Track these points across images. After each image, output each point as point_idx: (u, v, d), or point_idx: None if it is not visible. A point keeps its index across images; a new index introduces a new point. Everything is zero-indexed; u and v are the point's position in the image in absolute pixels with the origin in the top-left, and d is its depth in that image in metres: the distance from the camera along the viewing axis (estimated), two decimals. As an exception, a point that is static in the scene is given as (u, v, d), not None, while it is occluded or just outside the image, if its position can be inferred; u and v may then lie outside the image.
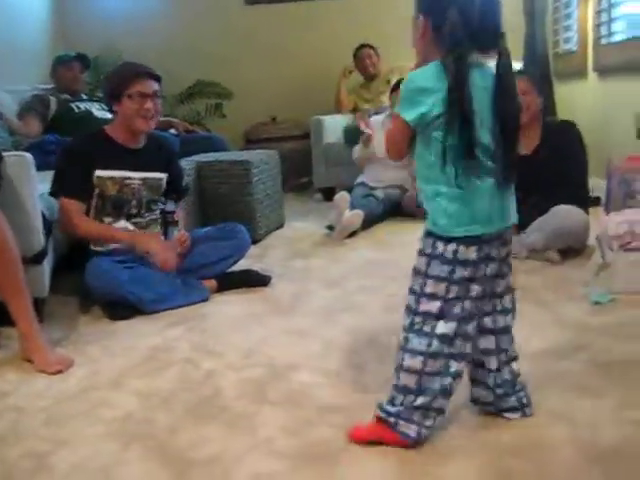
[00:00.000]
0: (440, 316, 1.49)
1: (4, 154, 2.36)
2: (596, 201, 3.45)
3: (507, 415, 1.61)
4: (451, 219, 1.46)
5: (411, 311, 1.52)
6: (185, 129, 4.45)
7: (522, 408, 1.61)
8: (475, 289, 1.49)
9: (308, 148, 5.09)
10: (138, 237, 2.68)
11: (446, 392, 1.51)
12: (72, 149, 2.76)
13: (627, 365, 1.87)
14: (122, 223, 2.75)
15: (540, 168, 3.02)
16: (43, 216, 2.51)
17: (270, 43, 5.70)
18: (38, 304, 2.37)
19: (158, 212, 2.86)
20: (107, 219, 2.73)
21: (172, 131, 4.36)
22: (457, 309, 1.49)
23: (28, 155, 2.45)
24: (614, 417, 1.59)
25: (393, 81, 4.40)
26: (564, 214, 2.93)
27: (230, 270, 2.90)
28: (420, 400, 1.50)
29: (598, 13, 4.24)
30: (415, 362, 1.49)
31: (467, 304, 1.49)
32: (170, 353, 2.18)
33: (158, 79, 2.79)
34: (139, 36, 5.67)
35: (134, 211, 2.78)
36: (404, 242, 3.25)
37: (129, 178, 2.75)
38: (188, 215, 3.28)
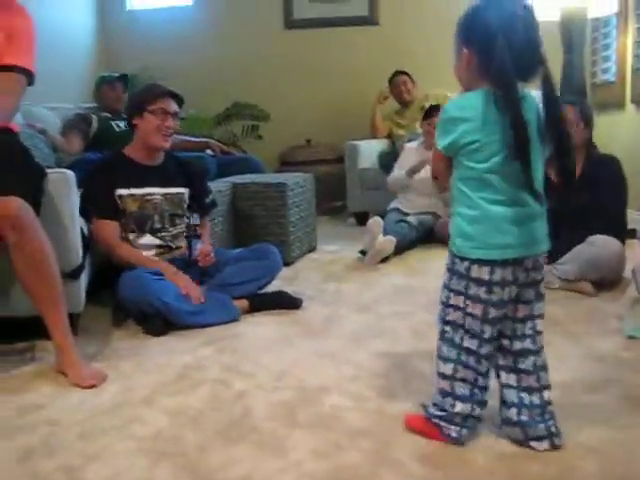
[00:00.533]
0: (465, 328, 1.59)
1: (47, 170, 2.42)
2: (632, 233, 3.42)
3: (534, 444, 1.60)
4: (467, 240, 1.55)
5: (441, 319, 1.64)
6: (221, 150, 4.50)
7: (551, 437, 1.60)
8: (492, 312, 1.56)
9: (342, 172, 5.13)
10: (168, 272, 2.71)
11: (481, 403, 1.64)
12: (95, 171, 2.84)
13: (661, 401, 1.84)
14: (147, 238, 2.82)
15: (577, 198, 3.01)
16: (81, 232, 2.56)
17: (307, 67, 5.77)
18: (73, 319, 2.40)
19: (184, 226, 2.91)
20: (131, 235, 2.80)
21: (209, 152, 4.42)
22: (476, 327, 1.57)
23: (70, 172, 2.49)
24: (646, 453, 1.57)
25: (426, 107, 4.43)
26: (600, 244, 2.91)
27: (262, 292, 2.92)
28: (459, 407, 1.62)
29: (637, 44, 4.22)
30: (447, 368, 1.63)
31: (486, 327, 1.57)
32: (201, 372, 2.20)
33: (180, 100, 2.89)
34: (178, 57, 5.79)
35: (158, 225, 2.84)
36: (435, 269, 3.22)
37: (150, 194, 2.83)
38: (216, 233, 3.37)
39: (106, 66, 5.57)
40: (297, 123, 5.72)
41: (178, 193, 2.92)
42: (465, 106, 1.52)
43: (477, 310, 1.56)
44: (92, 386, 2.08)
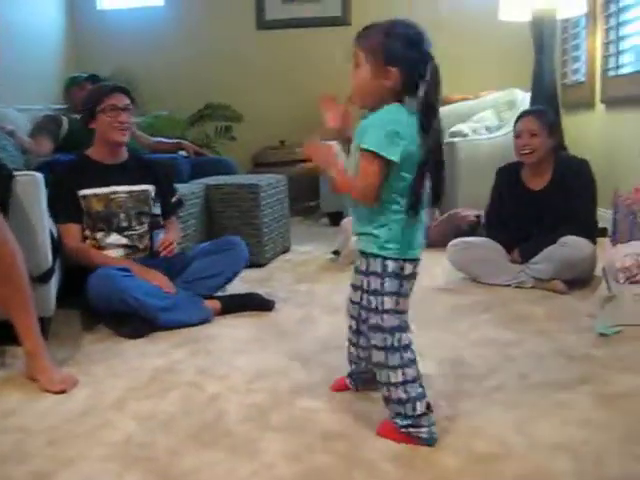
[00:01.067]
0: (401, 327, 1.67)
1: (15, 173, 2.39)
2: (602, 232, 3.46)
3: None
4: (403, 243, 1.65)
5: (376, 329, 1.67)
6: (195, 151, 4.49)
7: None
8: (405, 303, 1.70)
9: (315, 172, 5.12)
10: (135, 268, 2.70)
11: (425, 390, 1.70)
12: (57, 176, 2.83)
13: (632, 398, 1.86)
14: (114, 237, 2.82)
15: (548, 202, 3.05)
16: (51, 235, 2.53)
17: (280, 67, 5.75)
18: (44, 323, 2.37)
19: (147, 225, 2.92)
20: (99, 234, 2.80)
21: (182, 153, 4.40)
22: (404, 321, 1.69)
23: (38, 174, 2.46)
24: (618, 451, 1.58)
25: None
26: (572, 245, 2.93)
27: (234, 293, 2.91)
28: (419, 407, 1.65)
29: (606, 45, 4.27)
30: (397, 375, 1.65)
31: (405, 317, 1.70)
32: (174, 375, 2.18)
33: (128, 93, 2.91)
34: (150, 58, 5.76)
35: (124, 224, 2.84)
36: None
37: (114, 192, 2.84)
38: (188, 234, 3.36)
39: (77, 67, 5.51)
40: (271, 124, 5.70)
41: (143, 190, 2.92)
42: (400, 120, 1.60)
43: (404, 305, 1.67)
44: (62, 391, 2.05)
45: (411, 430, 1.65)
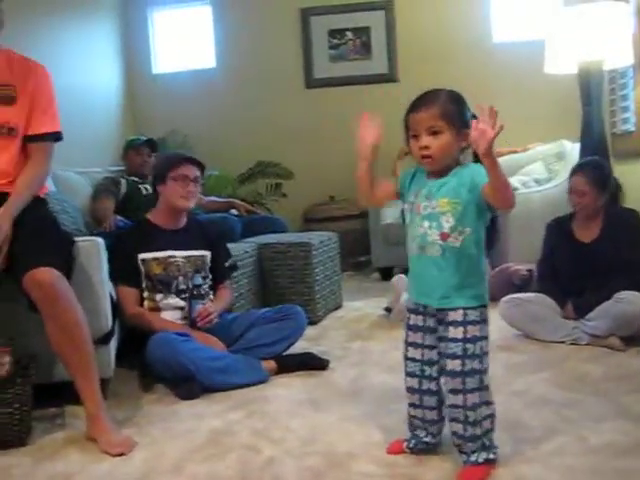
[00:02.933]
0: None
1: (76, 239, 2.48)
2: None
3: None
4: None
5: (480, 372, 1.81)
6: (246, 210, 4.57)
7: None
8: None
9: (366, 227, 5.16)
10: (193, 333, 2.77)
11: None
12: (119, 239, 2.95)
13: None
14: (173, 299, 2.88)
15: (599, 253, 3.02)
16: (110, 297, 2.60)
17: (329, 124, 5.83)
18: (104, 384, 2.42)
19: (207, 287, 2.98)
20: (158, 296, 2.87)
21: (233, 212, 4.48)
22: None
23: (99, 239, 2.55)
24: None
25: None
26: (628, 300, 2.89)
27: (289, 352, 2.93)
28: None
29: (655, 95, 4.25)
30: (490, 410, 1.84)
31: None
32: (231, 437, 2.20)
33: (201, 166, 3.01)
34: (203, 119, 5.93)
35: (182, 287, 2.91)
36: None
37: (173, 256, 2.91)
38: (242, 294, 3.43)
39: (133, 129, 5.71)
40: (320, 180, 5.78)
41: (200, 256, 2.99)
42: None
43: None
44: (121, 454, 2.09)
45: (491, 457, 1.81)
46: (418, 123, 1.79)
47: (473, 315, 1.79)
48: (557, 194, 4.29)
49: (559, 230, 3.24)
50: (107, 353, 2.53)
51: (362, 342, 3.28)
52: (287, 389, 2.65)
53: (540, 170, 4.78)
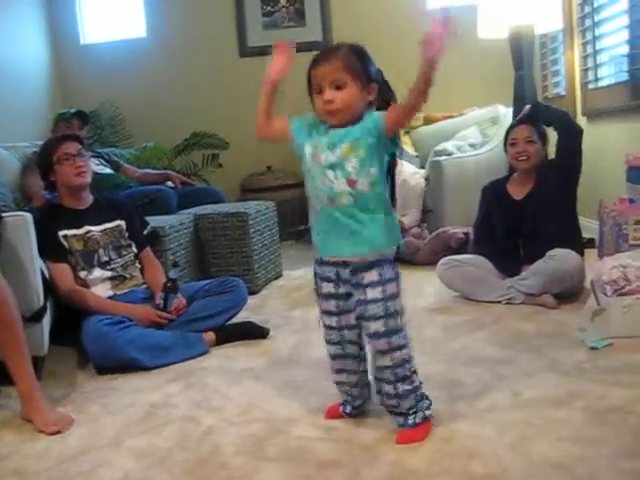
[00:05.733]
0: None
1: (3, 214, 2.40)
2: (590, 242, 3.49)
3: None
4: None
5: (400, 329, 1.85)
6: (182, 182, 4.51)
7: None
8: None
9: (304, 196, 5.12)
10: (122, 309, 2.74)
11: None
12: (38, 219, 2.82)
13: (624, 413, 1.87)
14: (97, 272, 2.86)
15: (529, 210, 3.10)
16: (42, 274, 2.54)
17: (264, 94, 5.76)
18: (37, 362, 2.38)
19: (132, 255, 2.98)
20: (82, 273, 2.83)
21: (169, 184, 4.42)
22: None
23: (27, 215, 2.47)
24: (611, 467, 1.59)
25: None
26: (560, 258, 2.96)
27: (229, 323, 2.92)
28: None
29: (584, 58, 4.33)
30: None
31: None
32: (169, 409, 2.18)
33: (79, 140, 3.01)
34: (135, 90, 5.78)
35: (105, 258, 2.90)
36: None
37: (90, 231, 2.90)
38: (180, 265, 3.39)
39: (63, 102, 5.53)
40: (257, 150, 5.70)
41: (116, 226, 2.99)
42: None
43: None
44: (57, 432, 2.05)
45: (427, 414, 1.83)
46: (321, 77, 1.77)
47: (390, 268, 1.83)
48: (492, 158, 4.35)
49: (494, 192, 3.29)
50: (40, 331, 2.47)
51: (302, 310, 3.28)
52: (227, 360, 2.64)
53: (475, 135, 4.83)
